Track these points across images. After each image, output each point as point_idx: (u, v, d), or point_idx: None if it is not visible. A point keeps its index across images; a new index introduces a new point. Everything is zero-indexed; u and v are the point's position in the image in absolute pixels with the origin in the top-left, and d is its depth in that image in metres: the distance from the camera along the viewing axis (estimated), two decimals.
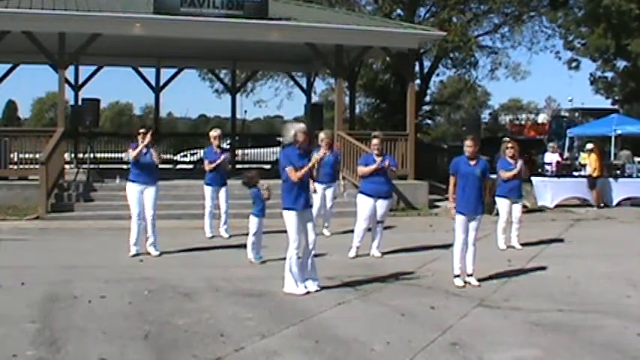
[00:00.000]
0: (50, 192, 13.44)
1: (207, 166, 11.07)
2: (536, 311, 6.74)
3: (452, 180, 7.94)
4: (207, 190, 11.12)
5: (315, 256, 7.52)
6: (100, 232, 11.67)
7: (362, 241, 9.57)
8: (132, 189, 9.50)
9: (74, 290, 7.24)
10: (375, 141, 9.75)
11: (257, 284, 7.69)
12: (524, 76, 29.45)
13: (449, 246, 10.00)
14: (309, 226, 7.34)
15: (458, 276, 7.86)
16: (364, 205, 9.53)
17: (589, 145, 17.60)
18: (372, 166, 9.48)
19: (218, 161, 10.96)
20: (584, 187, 16.82)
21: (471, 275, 7.89)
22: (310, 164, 7.23)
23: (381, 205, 9.55)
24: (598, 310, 6.86)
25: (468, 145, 7.90)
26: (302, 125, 7.44)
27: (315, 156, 7.39)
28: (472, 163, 7.86)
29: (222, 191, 11.14)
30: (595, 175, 16.62)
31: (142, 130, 9.75)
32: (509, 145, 10.84)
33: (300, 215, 7.22)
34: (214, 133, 11.25)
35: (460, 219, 7.80)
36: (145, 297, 7.09)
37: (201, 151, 23.20)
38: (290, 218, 7.21)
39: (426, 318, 6.45)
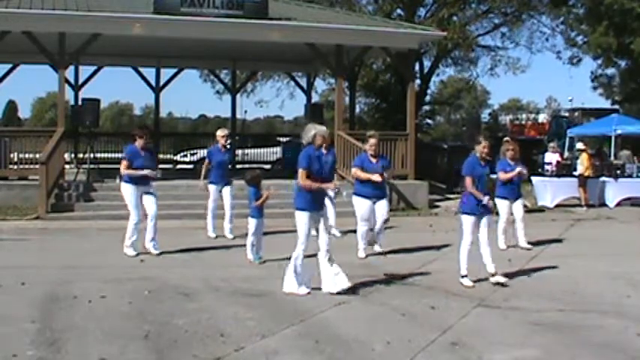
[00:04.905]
0: (50, 192, 13.44)
1: (206, 165, 11.12)
2: (536, 311, 6.74)
3: (469, 181, 7.87)
4: (211, 189, 11.13)
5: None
6: (100, 232, 11.66)
7: (367, 242, 9.57)
8: (128, 190, 9.34)
9: (74, 290, 7.24)
10: (372, 141, 9.59)
11: (257, 284, 7.69)
12: (523, 70, 29.41)
13: (449, 246, 10.07)
14: (321, 227, 7.30)
15: (466, 276, 7.84)
16: (361, 206, 9.48)
17: (579, 145, 17.58)
18: (372, 177, 9.34)
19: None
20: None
21: (496, 274, 7.82)
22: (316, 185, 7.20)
23: (380, 205, 9.51)
24: (598, 310, 6.86)
25: (484, 147, 7.97)
26: (324, 128, 7.40)
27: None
28: (483, 163, 7.99)
29: (226, 190, 11.14)
30: (586, 174, 16.61)
31: (139, 132, 9.48)
32: (510, 147, 10.74)
33: (313, 217, 7.21)
34: (222, 132, 11.29)
35: (470, 219, 7.80)
36: (145, 297, 7.09)
37: (202, 151, 23.29)
38: (302, 219, 7.18)
39: (426, 318, 6.45)
